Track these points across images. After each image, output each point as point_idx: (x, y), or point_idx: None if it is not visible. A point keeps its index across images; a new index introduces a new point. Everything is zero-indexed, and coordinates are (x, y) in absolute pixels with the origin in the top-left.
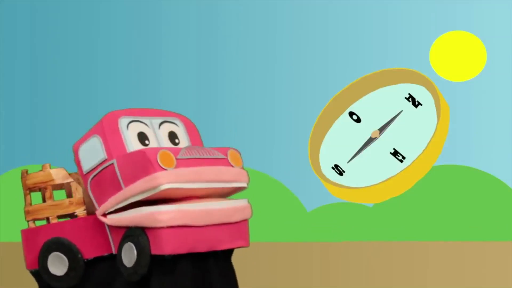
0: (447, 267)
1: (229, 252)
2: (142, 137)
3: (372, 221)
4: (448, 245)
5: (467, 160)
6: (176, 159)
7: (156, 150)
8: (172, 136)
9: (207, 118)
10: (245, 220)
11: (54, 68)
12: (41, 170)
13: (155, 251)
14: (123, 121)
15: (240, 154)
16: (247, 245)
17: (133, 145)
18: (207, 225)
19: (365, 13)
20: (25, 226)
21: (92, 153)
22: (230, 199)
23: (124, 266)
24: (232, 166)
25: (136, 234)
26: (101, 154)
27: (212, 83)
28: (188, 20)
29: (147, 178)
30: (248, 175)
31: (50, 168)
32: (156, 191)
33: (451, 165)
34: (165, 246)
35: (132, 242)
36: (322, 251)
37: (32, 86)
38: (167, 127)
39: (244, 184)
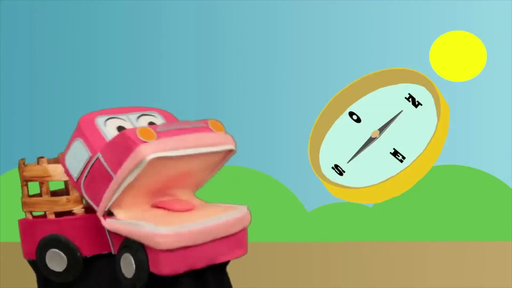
0: (447, 267)
1: (227, 262)
2: (122, 130)
3: (372, 221)
4: (448, 245)
5: (467, 160)
6: (156, 132)
7: (134, 128)
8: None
9: (207, 118)
10: (244, 228)
11: (54, 68)
12: (38, 163)
13: (153, 269)
14: (99, 120)
15: (222, 122)
16: (245, 253)
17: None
18: (206, 242)
19: (365, 13)
20: None
21: (77, 156)
22: (228, 206)
23: (123, 274)
24: (214, 131)
25: (134, 247)
26: (86, 154)
27: (212, 82)
28: (188, 19)
29: (132, 155)
30: (233, 138)
31: (47, 162)
32: (143, 164)
33: (451, 165)
34: (164, 268)
35: (131, 255)
36: (322, 251)
37: (32, 86)
38: (146, 119)
39: (231, 146)
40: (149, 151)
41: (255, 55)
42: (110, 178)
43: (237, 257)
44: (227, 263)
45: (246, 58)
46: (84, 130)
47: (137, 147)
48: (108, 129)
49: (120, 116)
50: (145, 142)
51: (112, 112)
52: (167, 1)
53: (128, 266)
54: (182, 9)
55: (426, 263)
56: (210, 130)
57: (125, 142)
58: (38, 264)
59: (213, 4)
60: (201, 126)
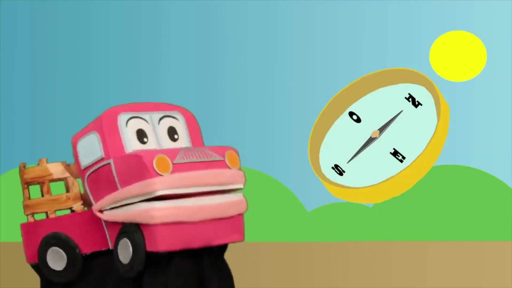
0: (447, 267)
1: (224, 247)
2: (141, 135)
3: (372, 221)
4: (448, 245)
5: (467, 160)
6: (173, 163)
7: (152, 154)
8: (172, 132)
9: (207, 118)
10: (240, 214)
11: (53, 68)
12: (38, 165)
13: (149, 247)
14: (122, 118)
15: (238, 154)
16: (242, 239)
17: (132, 143)
18: (202, 221)
19: (365, 13)
20: None
21: (90, 149)
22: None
23: (120, 262)
24: (229, 167)
25: (131, 230)
26: (99, 152)
27: (212, 82)
28: (189, 19)
29: (143, 182)
30: (244, 175)
31: (47, 162)
32: (151, 196)
33: (451, 165)
34: (160, 243)
35: (127, 238)
36: (322, 251)
37: (32, 86)
38: (167, 122)
39: (240, 186)
40: (160, 186)
41: (255, 55)
42: (115, 188)
43: (234, 242)
44: (224, 249)
45: (246, 58)
46: (104, 127)
47: (150, 178)
48: (128, 131)
49: (143, 115)
50: (159, 174)
51: (137, 108)
52: (167, 1)
53: (125, 251)
54: (182, 9)
55: (426, 263)
56: (226, 166)
57: (139, 167)
58: (40, 265)
59: (213, 4)
60: (218, 160)
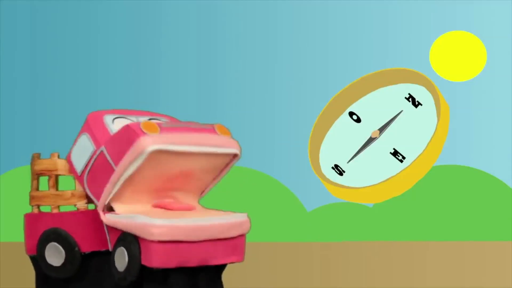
0: (447, 267)
1: (222, 266)
2: None
3: (372, 221)
4: (448, 245)
5: (467, 160)
6: (160, 127)
7: (138, 122)
8: None
9: (207, 118)
10: (242, 235)
11: (54, 69)
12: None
13: (144, 261)
14: (108, 118)
15: (229, 129)
16: (241, 260)
17: None
18: (201, 240)
19: (365, 13)
20: None
21: (83, 150)
22: (228, 212)
23: (116, 269)
24: (219, 134)
25: (129, 240)
26: (91, 148)
27: (212, 83)
28: (188, 19)
29: (133, 146)
30: (238, 143)
31: (58, 157)
32: (144, 155)
33: (451, 165)
34: (154, 260)
35: (124, 247)
36: (322, 251)
37: (32, 86)
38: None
39: (235, 151)
40: (150, 142)
41: (255, 56)
42: (111, 171)
43: (232, 263)
44: (222, 268)
45: (246, 58)
46: (91, 125)
47: (139, 138)
48: (115, 127)
49: (129, 117)
50: (148, 134)
51: (122, 112)
52: (167, 1)
53: (121, 259)
54: (182, 9)
55: (426, 263)
56: (216, 133)
57: (128, 134)
58: (38, 258)
59: (213, 4)
60: (207, 128)
